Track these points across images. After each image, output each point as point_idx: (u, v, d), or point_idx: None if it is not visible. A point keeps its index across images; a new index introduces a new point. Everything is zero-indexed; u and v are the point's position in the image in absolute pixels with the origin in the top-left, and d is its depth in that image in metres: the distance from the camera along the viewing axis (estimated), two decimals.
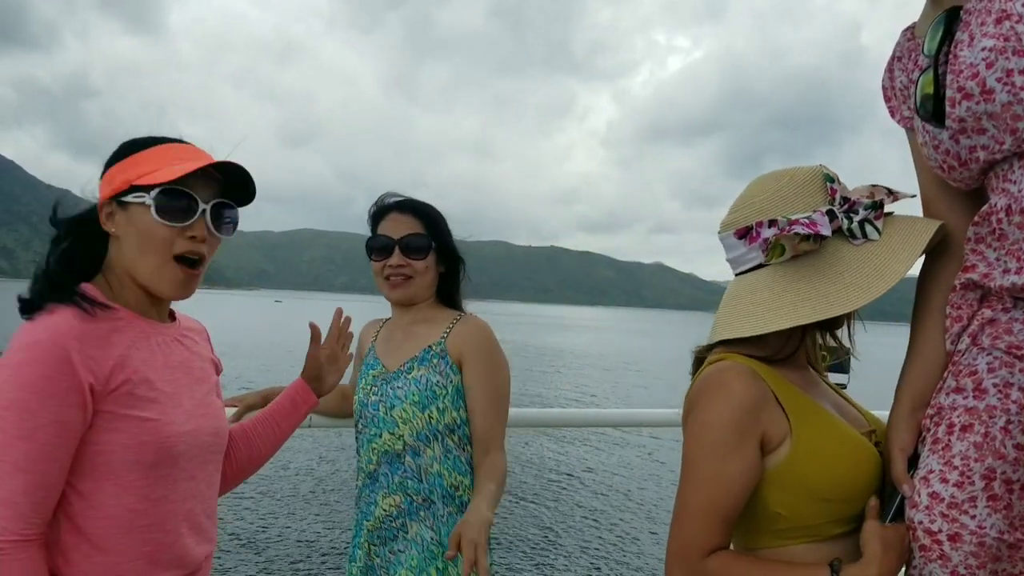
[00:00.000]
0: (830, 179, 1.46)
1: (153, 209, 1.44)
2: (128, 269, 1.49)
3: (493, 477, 2.00)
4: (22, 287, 1.45)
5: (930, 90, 1.31)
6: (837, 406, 1.52)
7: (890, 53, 1.58)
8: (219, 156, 1.53)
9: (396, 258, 2.16)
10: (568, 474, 13.89)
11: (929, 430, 1.36)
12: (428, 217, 2.21)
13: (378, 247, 2.18)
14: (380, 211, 2.24)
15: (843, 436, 1.42)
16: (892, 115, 1.57)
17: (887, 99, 1.58)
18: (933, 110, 1.31)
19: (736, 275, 1.55)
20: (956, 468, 1.28)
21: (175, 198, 1.45)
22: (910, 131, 1.53)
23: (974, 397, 1.29)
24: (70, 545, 1.40)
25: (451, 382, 2.11)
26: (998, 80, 1.19)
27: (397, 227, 2.18)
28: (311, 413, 2.28)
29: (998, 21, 1.21)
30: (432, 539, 2.04)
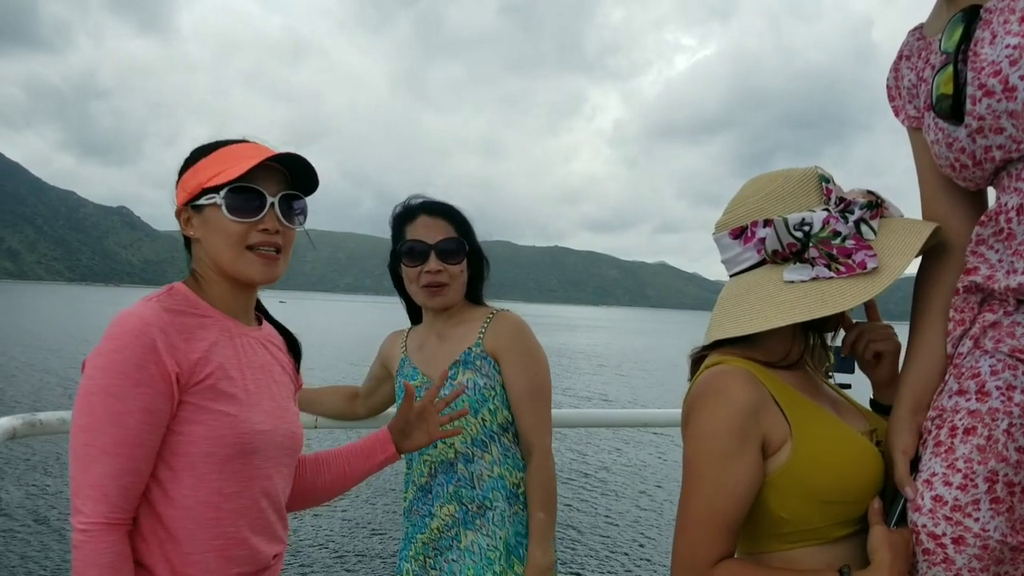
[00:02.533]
0: (825, 179, 1.46)
1: (224, 208, 1.50)
2: (216, 268, 1.56)
3: (542, 502, 2.03)
4: (28, 288, 1.48)
5: (947, 88, 1.30)
6: (836, 406, 1.51)
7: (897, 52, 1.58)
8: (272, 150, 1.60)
9: (433, 263, 2.11)
10: (584, 474, 13.86)
11: (931, 432, 1.35)
12: (459, 219, 2.17)
13: (413, 252, 2.12)
14: (408, 213, 2.18)
15: (844, 437, 1.41)
16: (896, 114, 1.57)
17: (891, 98, 1.58)
18: (951, 108, 1.30)
19: (731, 276, 1.54)
20: (959, 471, 1.27)
21: (243, 195, 1.51)
22: (913, 131, 1.53)
23: (977, 400, 1.29)
24: (148, 531, 1.45)
25: (497, 381, 2.10)
26: (1021, 78, 1.19)
27: (430, 231, 2.12)
28: (319, 416, 2.31)
29: (1023, 20, 1.21)
30: (489, 545, 2.03)
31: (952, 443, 1.30)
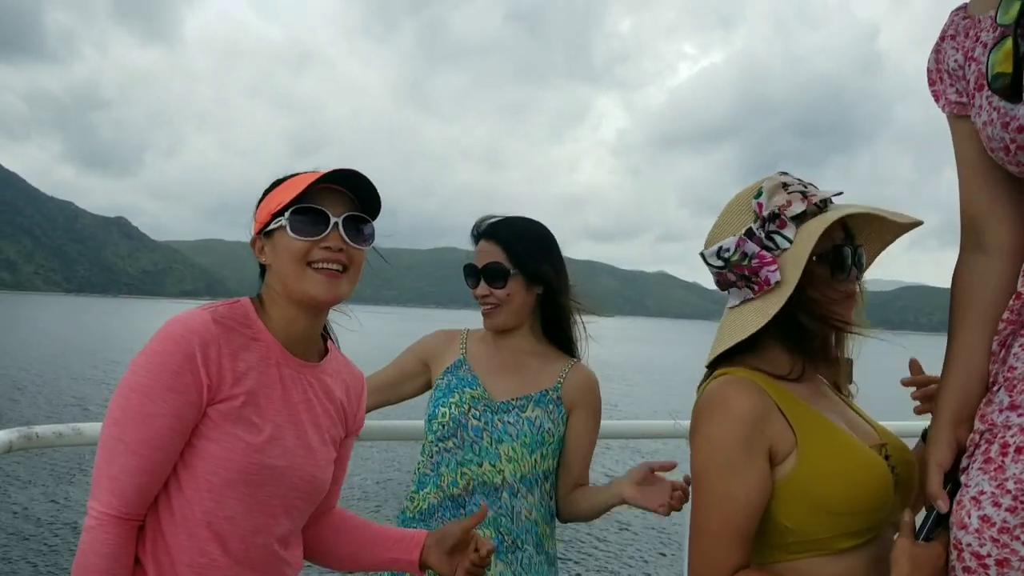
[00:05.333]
0: (757, 194, 1.46)
1: (288, 228, 1.52)
2: (282, 289, 1.57)
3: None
4: (25, 299, 1.48)
5: (1006, 65, 1.24)
6: (848, 420, 1.50)
7: (937, 35, 1.50)
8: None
9: (481, 288, 2.19)
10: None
11: (979, 446, 1.30)
12: (508, 243, 2.18)
13: (467, 275, 2.23)
14: (475, 236, 2.27)
15: (851, 449, 1.41)
16: (936, 99, 1.50)
17: (931, 83, 1.50)
18: (1009, 85, 1.24)
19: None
20: (1009, 492, 1.22)
21: (307, 215, 1.53)
22: (955, 119, 1.46)
23: None
24: (147, 531, 1.48)
25: (559, 430, 2.17)
26: None
27: (482, 255, 2.20)
28: None
29: None
30: None
31: (1003, 462, 1.25)
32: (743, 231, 1.45)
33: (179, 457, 1.47)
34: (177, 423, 1.42)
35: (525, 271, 2.17)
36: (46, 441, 2.03)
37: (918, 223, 1.49)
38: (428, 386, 2.33)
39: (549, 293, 2.22)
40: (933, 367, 1.63)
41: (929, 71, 1.51)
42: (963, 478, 1.31)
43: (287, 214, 1.52)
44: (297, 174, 1.61)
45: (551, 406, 2.16)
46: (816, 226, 1.40)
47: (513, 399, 2.16)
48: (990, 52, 1.29)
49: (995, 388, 1.33)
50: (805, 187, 1.47)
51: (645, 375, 39.39)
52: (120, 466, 1.41)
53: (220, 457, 1.46)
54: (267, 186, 1.64)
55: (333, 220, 1.54)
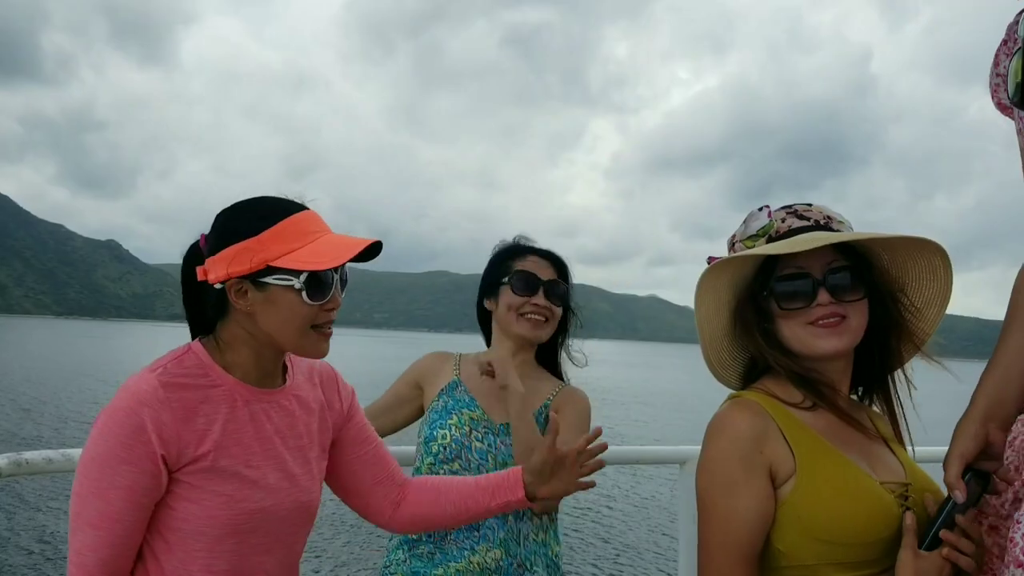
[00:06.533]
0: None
1: (304, 294, 1.47)
2: (264, 340, 1.52)
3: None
4: (15, 323, 1.46)
5: (1020, 75, 1.25)
6: (870, 456, 1.48)
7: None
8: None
9: (541, 298, 2.22)
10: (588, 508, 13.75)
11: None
12: (565, 270, 2.32)
13: (525, 283, 2.22)
14: (518, 250, 2.30)
15: (853, 481, 1.40)
16: (992, 97, 1.50)
17: (991, 83, 1.50)
18: (1022, 95, 1.24)
19: None
20: None
21: (320, 278, 1.48)
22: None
23: None
24: None
25: None
26: None
27: (542, 269, 2.25)
28: None
29: None
30: None
31: None
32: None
33: (163, 523, 1.46)
34: (133, 495, 1.40)
35: (569, 298, 2.31)
36: (36, 467, 2.00)
37: (887, 236, 1.46)
38: (422, 411, 2.32)
39: (564, 320, 2.32)
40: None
41: (990, 76, 1.51)
42: (1017, 513, 1.27)
43: (303, 278, 1.46)
44: (281, 213, 1.48)
45: (542, 427, 2.15)
46: (724, 264, 1.51)
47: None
48: (1010, 62, 1.30)
49: None
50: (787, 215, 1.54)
51: (642, 400, 39.32)
52: (82, 542, 1.40)
53: (203, 516, 1.45)
54: (240, 217, 1.50)
55: (335, 279, 1.52)
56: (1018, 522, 1.24)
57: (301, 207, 1.52)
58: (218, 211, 1.53)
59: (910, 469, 1.51)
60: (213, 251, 1.49)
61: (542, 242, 2.34)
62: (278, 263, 1.45)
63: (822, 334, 1.46)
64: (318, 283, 1.48)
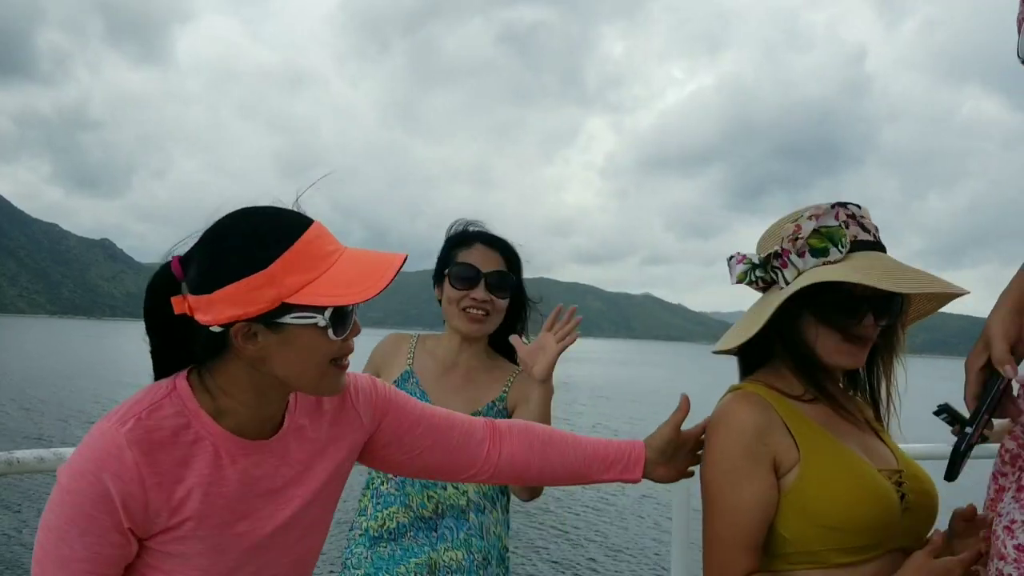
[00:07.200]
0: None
1: (331, 331, 1.25)
2: (277, 381, 1.29)
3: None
4: (10, 322, 1.39)
5: None
6: (865, 445, 1.53)
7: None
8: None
9: (481, 292, 2.13)
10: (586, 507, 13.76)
11: (1008, 476, 1.30)
12: (513, 256, 2.22)
13: (464, 276, 2.13)
14: (464, 238, 2.21)
15: (854, 469, 1.44)
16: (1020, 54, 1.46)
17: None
18: None
19: None
20: None
21: (343, 309, 1.26)
22: None
23: None
24: None
25: None
26: None
27: (485, 260, 2.15)
28: None
29: None
30: None
31: None
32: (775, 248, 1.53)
33: None
34: (95, 566, 1.22)
35: (518, 286, 2.22)
36: (27, 466, 1.99)
37: (960, 294, 1.49)
38: None
39: (513, 318, 2.26)
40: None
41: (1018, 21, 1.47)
42: (1000, 507, 1.29)
43: (327, 314, 1.23)
44: (289, 235, 1.23)
45: (499, 417, 2.13)
46: (812, 276, 1.45)
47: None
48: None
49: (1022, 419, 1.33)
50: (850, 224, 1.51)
51: (636, 398, 39.36)
52: None
53: None
54: (229, 230, 1.26)
55: (352, 308, 1.31)
56: (999, 515, 1.26)
57: (308, 221, 1.27)
58: (216, 210, 1.29)
59: (901, 457, 1.57)
60: (205, 287, 1.22)
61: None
62: (296, 299, 1.21)
63: (851, 351, 1.49)
64: (341, 315, 1.26)
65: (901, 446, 1.64)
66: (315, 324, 1.23)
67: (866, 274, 1.40)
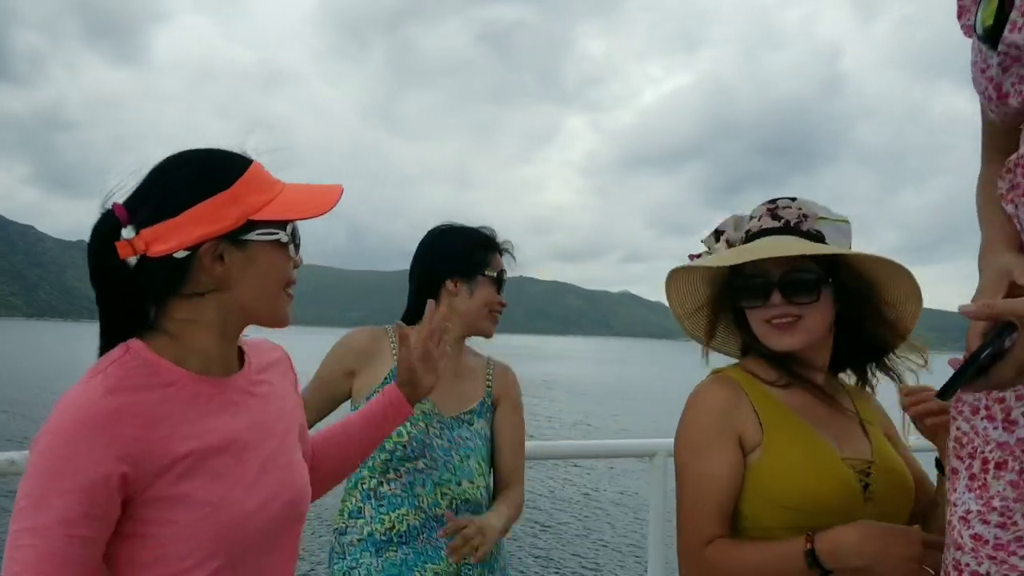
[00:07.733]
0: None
1: (292, 247, 1.33)
2: (239, 309, 1.30)
3: (512, 505, 2.13)
4: None
5: (991, 7, 1.21)
6: (838, 433, 1.58)
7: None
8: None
9: (503, 296, 2.26)
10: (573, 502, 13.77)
11: (963, 460, 1.27)
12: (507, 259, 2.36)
13: (502, 284, 2.26)
14: (496, 246, 2.28)
15: (815, 453, 1.52)
16: (959, 17, 1.38)
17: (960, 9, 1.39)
18: (991, 30, 1.21)
19: None
20: (995, 509, 1.20)
21: (295, 230, 1.35)
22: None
23: (1004, 429, 1.21)
24: None
25: (491, 431, 2.24)
26: None
27: (507, 267, 2.30)
28: None
29: None
30: None
31: (986, 479, 1.22)
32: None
33: (136, 555, 1.19)
34: (74, 527, 1.10)
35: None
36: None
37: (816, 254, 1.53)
38: (348, 396, 2.19)
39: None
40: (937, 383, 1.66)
41: None
42: (951, 496, 1.27)
43: (289, 229, 1.31)
44: (240, 164, 1.29)
45: (488, 413, 2.22)
46: (717, 259, 1.62)
47: (462, 413, 2.16)
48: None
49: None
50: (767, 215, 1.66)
51: (616, 395, 39.45)
52: None
53: (181, 537, 1.19)
54: (180, 161, 1.28)
55: (299, 237, 1.37)
56: (955, 504, 1.26)
57: (250, 158, 1.33)
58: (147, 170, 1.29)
59: (879, 449, 1.59)
60: (166, 213, 1.22)
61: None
62: (261, 215, 1.26)
63: (776, 333, 1.57)
64: (297, 236, 1.35)
65: (911, 438, 1.67)
66: (278, 240, 1.30)
67: (724, 258, 1.61)
